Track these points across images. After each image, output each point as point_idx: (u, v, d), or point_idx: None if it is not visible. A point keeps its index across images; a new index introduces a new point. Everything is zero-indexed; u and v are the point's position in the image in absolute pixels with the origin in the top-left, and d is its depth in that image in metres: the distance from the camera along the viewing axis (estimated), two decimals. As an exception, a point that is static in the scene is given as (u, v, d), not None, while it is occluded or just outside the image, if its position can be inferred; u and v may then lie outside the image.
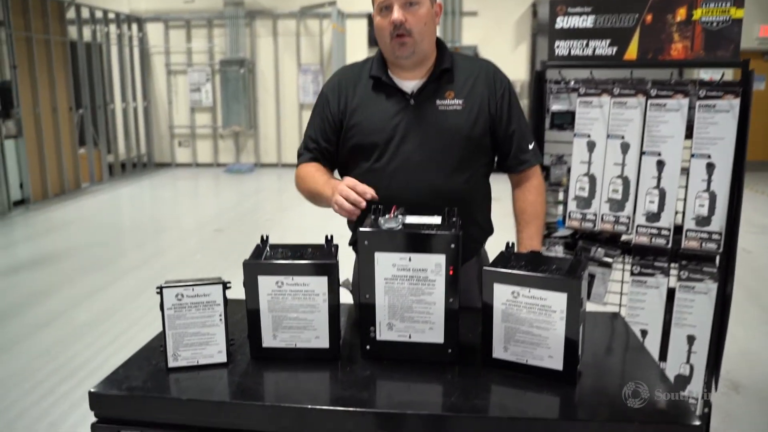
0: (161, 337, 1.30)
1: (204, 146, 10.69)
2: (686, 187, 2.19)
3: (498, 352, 1.28)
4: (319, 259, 1.31)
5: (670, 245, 2.21)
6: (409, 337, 1.32)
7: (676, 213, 2.22)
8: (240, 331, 1.47)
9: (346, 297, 1.69)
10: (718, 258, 2.20)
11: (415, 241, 1.26)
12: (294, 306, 1.31)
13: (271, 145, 10.52)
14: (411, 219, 1.34)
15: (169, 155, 10.72)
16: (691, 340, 2.22)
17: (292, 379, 1.27)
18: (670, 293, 2.25)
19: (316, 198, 1.69)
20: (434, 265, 1.27)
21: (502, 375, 1.27)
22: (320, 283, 1.29)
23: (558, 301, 1.19)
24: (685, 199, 2.22)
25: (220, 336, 1.31)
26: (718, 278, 2.17)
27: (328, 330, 1.32)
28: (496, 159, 1.76)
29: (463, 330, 1.32)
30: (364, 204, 1.46)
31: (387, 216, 1.33)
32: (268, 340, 1.33)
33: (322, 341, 1.33)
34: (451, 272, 1.27)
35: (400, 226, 1.29)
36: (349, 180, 1.52)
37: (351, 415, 1.14)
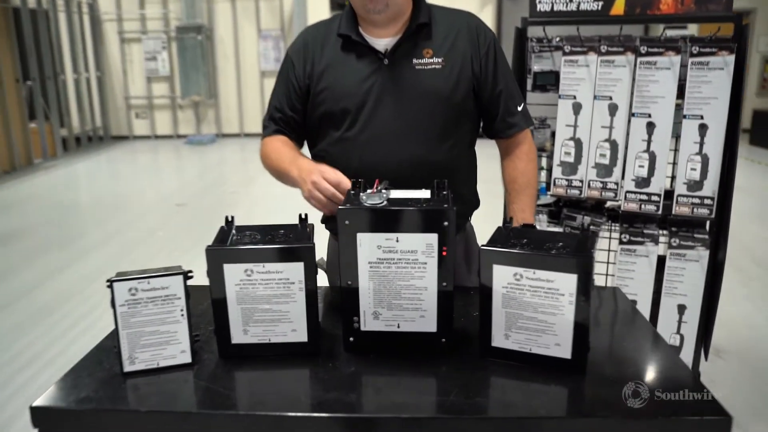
0: (114, 335, 1.13)
1: (162, 117, 10.29)
2: (675, 150, 2.08)
3: (498, 341, 1.15)
4: (294, 242, 1.15)
5: (660, 212, 2.10)
6: (398, 326, 1.18)
7: (667, 178, 2.11)
8: (206, 324, 1.31)
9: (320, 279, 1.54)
10: (708, 224, 2.10)
11: (403, 219, 1.11)
12: (266, 296, 1.15)
13: (232, 115, 10.18)
14: (396, 194, 1.18)
15: (126, 128, 10.30)
16: (681, 309, 2.14)
17: (268, 381, 1.11)
18: (660, 262, 2.16)
19: (283, 178, 1.53)
20: (425, 245, 1.12)
21: (503, 366, 1.13)
22: (295, 269, 1.13)
23: (567, 283, 1.06)
24: (673, 163, 2.11)
25: (183, 334, 1.15)
26: (710, 245, 2.08)
27: (306, 322, 1.17)
28: (481, 124, 1.60)
29: (455, 314, 1.18)
30: (341, 198, 1.31)
31: (369, 191, 1.17)
32: (238, 336, 1.18)
33: (300, 335, 1.18)
34: (444, 253, 1.12)
35: (385, 203, 1.14)
36: (320, 169, 1.36)
37: (337, 422, 1.00)
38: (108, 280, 1.12)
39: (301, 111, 1.56)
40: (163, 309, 1.13)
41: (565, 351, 1.10)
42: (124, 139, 10.26)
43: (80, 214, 6.08)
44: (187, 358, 1.16)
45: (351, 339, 1.19)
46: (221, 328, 1.17)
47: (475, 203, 1.62)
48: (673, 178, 2.10)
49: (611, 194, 2.16)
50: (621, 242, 2.17)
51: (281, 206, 5.86)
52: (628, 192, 2.12)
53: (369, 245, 1.13)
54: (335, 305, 1.41)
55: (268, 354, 1.18)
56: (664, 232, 2.15)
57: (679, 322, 2.14)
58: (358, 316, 1.18)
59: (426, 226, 1.11)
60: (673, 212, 2.08)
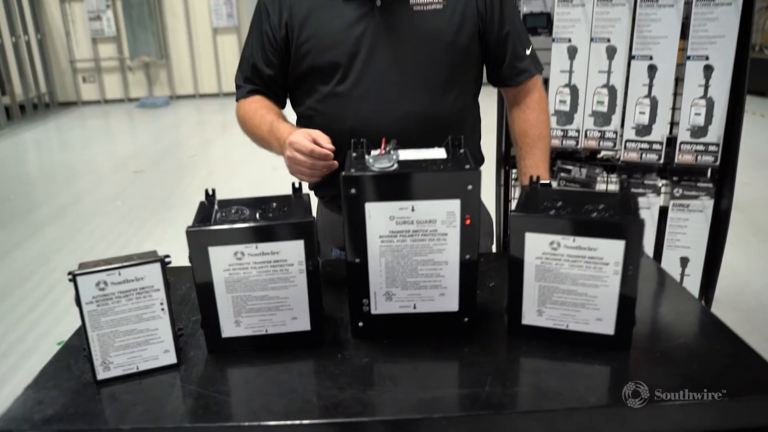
0: (83, 337, 0.95)
1: (112, 81, 9.76)
2: (678, 94, 1.95)
3: (529, 318, 1.01)
4: (290, 217, 0.98)
5: (662, 160, 1.98)
6: (414, 307, 1.03)
7: (669, 124, 1.99)
8: (188, 312, 1.14)
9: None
10: (710, 171, 2.00)
11: (419, 185, 0.95)
12: (261, 282, 0.98)
13: (185, 76, 9.72)
14: (407, 155, 1.02)
15: (74, 93, 9.73)
16: (684, 262, 2.05)
17: (269, 380, 0.95)
18: (662, 213, 2.05)
19: (265, 147, 1.34)
20: (445, 214, 0.96)
21: (535, 346, 1.00)
22: (294, 249, 0.96)
23: (613, 250, 0.92)
24: (673, 108, 1.99)
25: (165, 331, 0.97)
26: (714, 194, 1.98)
27: (308, 308, 1.01)
28: (485, 71, 1.43)
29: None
30: (324, 165, 1.14)
31: (375, 153, 1.00)
32: (229, 329, 1.01)
33: (302, 323, 1.02)
34: (468, 222, 0.96)
35: (395, 166, 0.97)
36: (290, 141, 1.18)
37: (357, 428, 0.85)
38: (70, 273, 0.93)
39: (279, 66, 1.36)
40: (139, 304, 0.95)
41: (607, 326, 0.97)
42: (72, 105, 9.70)
43: (30, 187, 5.71)
44: (171, 359, 0.99)
45: (360, 324, 1.04)
46: (209, 320, 1.00)
47: (480, 160, 1.47)
48: (675, 124, 1.97)
49: (610, 143, 2.03)
50: (621, 195, 2.05)
51: (242, 169, 5.65)
52: (627, 141, 1.99)
53: (380, 216, 0.96)
54: (332, 281, 1.25)
55: (265, 347, 1.02)
56: (665, 182, 2.04)
57: (682, 275, 2.05)
58: (368, 297, 1.02)
59: (446, 191, 0.95)
60: (676, 161, 1.96)
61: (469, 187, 0.94)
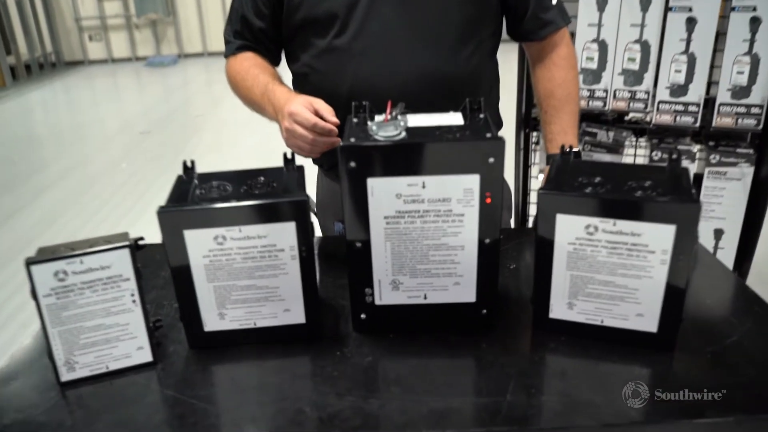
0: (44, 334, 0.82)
1: (118, 39, 9.55)
2: (719, 50, 1.76)
3: (558, 311, 0.87)
4: (280, 194, 0.83)
5: (698, 124, 1.81)
6: (425, 297, 0.89)
7: (707, 84, 1.80)
8: (171, 300, 1.01)
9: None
10: (750, 136, 1.82)
11: (432, 157, 0.80)
12: (247, 269, 0.85)
13: (194, 33, 9.47)
14: (416, 120, 0.87)
15: (80, 52, 9.55)
16: (718, 234, 1.89)
17: (258, 383, 0.83)
18: (696, 181, 1.88)
19: (260, 113, 1.20)
20: (462, 191, 0.82)
21: (564, 344, 0.87)
22: (285, 232, 0.83)
23: (661, 236, 0.77)
24: (712, 66, 1.80)
25: (138, 325, 0.85)
26: (755, 161, 1.81)
27: (302, 298, 0.88)
28: (504, 24, 1.26)
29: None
30: (326, 143, 1.00)
31: (379, 118, 0.85)
32: (213, 322, 0.88)
33: (295, 315, 0.89)
34: (488, 200, 0.82)
35: (403, 134, 0.82)
36: (290, 111, 1.03)
37: (358, 445, 0.72)
38: (27, 260, 0.80)
39: (270, 17, 1.20)
40: (106, 296, 0.82)
41: (649, 323, 0.83)
42: (78, 64, 9.53)
43: (35, 148, 5.61)
44: (146, 357, 0.87)
45: (363, 316, 0.91)
46: (189, 313, 0.87)
47: (498, 124, 1.31)
48: (714, 84, 1.79)
49: (641, 105, 1.86)
50: (651, 160, 1.89)
51: (250, 129, 5.47)
52: (661, 102, 1.82)
53: (384, 194, 0.82)
54: (333, 261, 1.12)
55: (253, 342, 0.89)
56: (701, 147, 1.87)
57: (715, 248, 1.90)
58: (372, 287, 0.89)
59: (464, 164, 0.80)
60: (714, 124, 1.79)
61: (491, 159, 0.79)
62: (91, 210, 3.85)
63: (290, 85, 1.24)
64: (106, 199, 4.00)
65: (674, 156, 0.84)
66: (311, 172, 1.36)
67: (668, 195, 0.77)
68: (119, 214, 3.72)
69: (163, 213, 0.81)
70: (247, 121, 5.61)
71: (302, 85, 1.22)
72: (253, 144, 4.65)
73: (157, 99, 7.31)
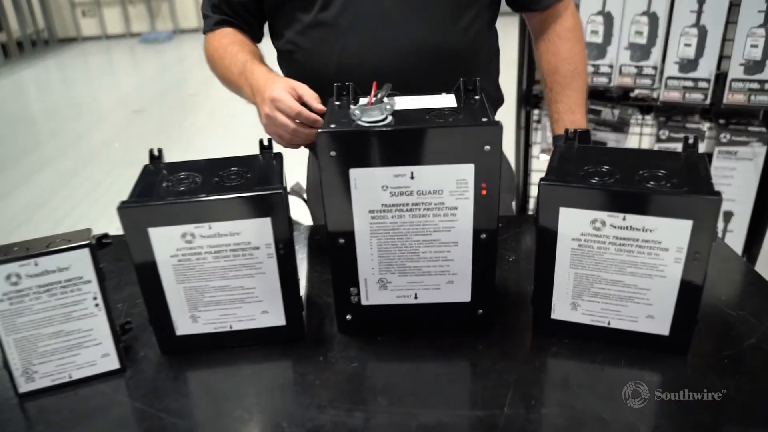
0: (-1, 340, 0.75)
1: (112, 14, 9.36)
2: (731, 22, 1.66)
3: (561, 312, 0.80)
4: (254, 187, 0.75)
5: (708, 101, 1.72)
6: (415, 297, 0.82)
7: (719, 59, 1.71)
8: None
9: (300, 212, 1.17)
10: (762, 113, 1.73)
11: (421, 144, 0.72)
12: (220, 270, 0.77)
13: (189, 8, 9.29)
14: (404, 103, 0.78)
15: (74, 28, 9.37)
16: (728, 216, 1.81)
17: (231, 395, 0.76)
18: (705, 161, 1.80)
19: (236, 92, 1.11)
20: (455, 182, 0.74)
21: (567, 348, 0.79)
22: (260, 228, 0.75)
23: (676, 232, 0.69)
24: (724, 40, 1.70)
25: (102, 331, 0.78)
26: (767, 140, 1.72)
27: (281, 299, 0.80)
28: None
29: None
30: (309, 135, 0.91)
31: (363, 101, 0.77)
32: (185, 326, 0.81)
33: (274, 317, 0.82)
34: (484, 192, 0.74)
35: (390, 118, 0.74)
36: (272, 96, 0.94)
37: (340, 466, 0.66)
38: (-25, 262, 0.73)
39: None
40: (65, 300, 0.75)
41: (661, 325, 0.76)
42: (72, 41, 9.35)
43: (27, 129, 5.50)
44: (113, 364, 0.80)
45: (348, 317, 0.84)
46: (158, 316, 0.80)
47: (498, 101, 1.22)
48: (726, 58, 1.69)
49: (648, 81, 1.77)
50: (659, 139, 1.81)
51: (246, 107, 5.39)
52: (669, 78, 1.73)
53: (369, 186, 0.74)
54: (322, 252, 1.04)
55: (230, 346, 0.82)
56: (711, 125, 1.78)
57: (724, 231, 1.83)
58: (357, 286, 0.81)
59: (457, 152, 0.72)
60: (725, 101, 1.70)
61: (487, 147, 0.71)
62: (82, 193, 3.77)
63: (275, 63, 1.16)
64: (98, 181, 3.92)
65: (690, 141, 0.76)
66: (301, 155, 1.29)
67: (685, 186, 0.69)
68: (110, 198, 3.64)
69: (124, 209, 0.73)
70: (242, 99, 5.54)
71: (287, 63, 1.14)
72: (248, 123, 4.55)
73: (152, 76, 7.18)
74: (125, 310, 0.92)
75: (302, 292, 0.94)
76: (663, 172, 0.72)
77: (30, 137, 5.18)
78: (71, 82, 7.37)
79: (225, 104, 5.45)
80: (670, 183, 0.70)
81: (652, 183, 0.70)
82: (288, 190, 1.49)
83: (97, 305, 0.77)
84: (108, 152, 4.47)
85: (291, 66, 1.12)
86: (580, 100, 1.14)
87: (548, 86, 1.17)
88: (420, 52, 1.05)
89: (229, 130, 4.78)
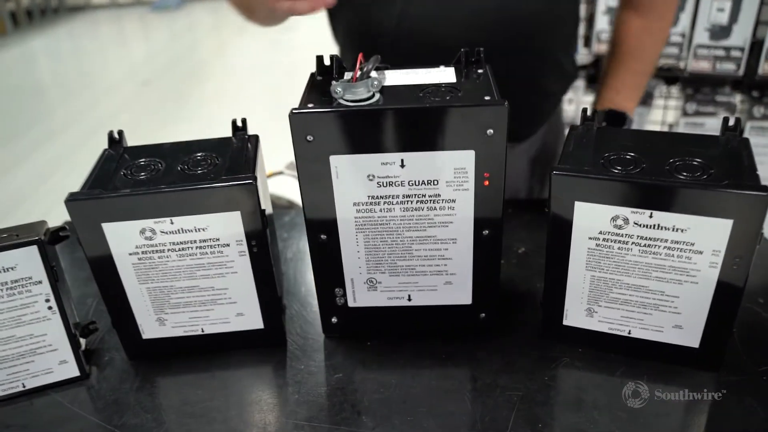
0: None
1: (122, -18, 9.22)
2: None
3: (575, 318, 0.70)
4: (221, 176, 0.66)
5: (741, 71, 1.58)
6: (408, 299, 0.73)
7: (754, 25, 1.57)
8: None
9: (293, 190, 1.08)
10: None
11: (413, 127, 0.62)
12: (186, 269, 0.68)
13: (200, -25, 9.11)
14: (394, 78, 0.68)
15: (84, -4, 9.24)
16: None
17: (199, 410, 0.67)
18: (735, 136, 1.67)
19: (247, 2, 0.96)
20: (452, 171, 0.64)
21: (581, 358, 0.70)
22: (229, 222, 0.66)
23: (713, 233, 0.59)
24: (762, 4, 1.56)
25: (58, 335, 0.70)
26: (805, 112, 1.58)
27: (257, 300, 0.71)
28: None
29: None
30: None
31: (347, 76, 0.67)
32: (151, 329, 0.73)
33: (251, 320, 0.73)
34: (486, 183, 0.64)
35: (376, 96, 0.63)
36: None
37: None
38: None
39: None
40: (13, 302, 0.67)
41: (690, 337, 0.66)
42: (82, 9, 9.23)
43: (36, 99, 5.44)
44: (72, 371, 0.72)
45: (334, 320, 0.75)
46: (121, 320, 0.72)
47: (573, 74, 1.08)
48: (763, 24, 1.55)
49: (674, 50, 1.63)
50: (685, 113, 1.68)
51: (256, 77, 5.26)
52: (698, 46, 1.59)
53: (353, 175, 0.64)
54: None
55: (204, 350, 0.74)
56: (743, 98, 1.65)
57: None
58: (343, 287, 0.72)
59: (455, 136, 0.62)
60: (760, 71, 1.56)
61: (490, 131, 0.61)
62: (87, 166, 3.71)
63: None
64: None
65: (731, 122, 0.65)
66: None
67: (724, 178, 0.58)
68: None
69: (73, 203, 0.64)
70: (252, 68, 5.40)
71: (338, 16, 1.01)
72: (259, 92, 4.45)
73: (162, 45, 7.06)
74: (94, 307, 0.84)
75: (293, 286, 0.85)
76: (698, 160, 0.61)
77: (38, 109, 5.12)
78: (81, 51, 7.28)
79: (236, 72, 5.34)
80: (707, 174, 0.59)
81: (684, 174, 0.59)
82: (285, 167, 1.38)
83: (50, 308, 0.68)
84: (115, 125, 4.37)
85: (342, 21, 1.00)
86: (633, 85, 1.01)
87: (607, 57, 1.03)
88: (493, 15, 0.90)
89: (238, 99, 4.68)
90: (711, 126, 1.65)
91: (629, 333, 0.68)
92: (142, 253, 0.67)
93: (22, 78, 6.12)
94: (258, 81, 4.73)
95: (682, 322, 0.65)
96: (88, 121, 4.57)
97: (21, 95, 5.46)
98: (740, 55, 1.55)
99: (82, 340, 0.74)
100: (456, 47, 0.69)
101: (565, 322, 0.71)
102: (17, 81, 5.95)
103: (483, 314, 0.73)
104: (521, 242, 0.93)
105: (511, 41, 0.90)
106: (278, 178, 1.25)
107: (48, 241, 0.67)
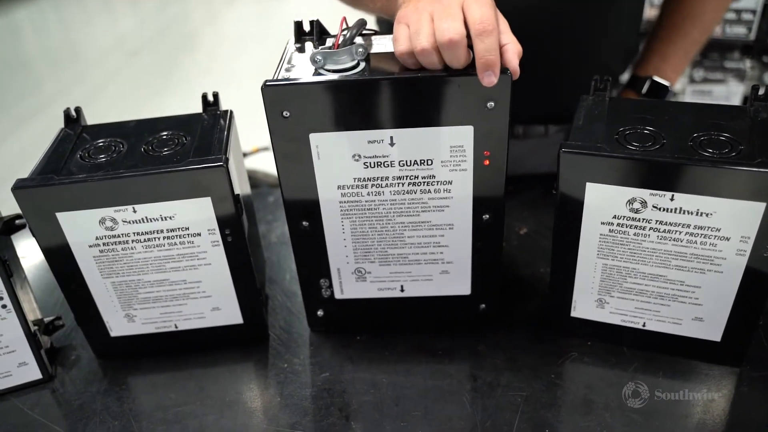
0: None
1: (108, -51, 8.96)
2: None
3: (583, 309, 0.64)
4: (189, 158, 0.58)
5: (753, 35, 1.50)
6: (401, 290, 0.66)
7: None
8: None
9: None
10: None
11: (403, 100, 0.55)
12: (153, 261, 0.62)
13: (188, -58, 8.86)
14: (382, 43, 0.60)
15: (69, -36, 8.99)
16: None
17: (172, 416, 0.61)
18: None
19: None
20: (448, 149, 0.56)
21: (591, 353, 0.64)
22: (199, 210, 0.59)
23: (741, 218, 0.52)
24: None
25: (14, 336, 0.63)
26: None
27: (234, 293, 0.65)
28: None
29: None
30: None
31: (329, 42, 0.59)
32: (119, 326, 0.66)
33: (228, 314, 0.67)
34: (487, 162, 0.57)
35: (361, 66, 0.56)
36: None
37: None
38: None
39: None
40: (-40, 301, 0.60)
41: (712, 330, 0.60)
42: (68, -22, 9.00)
43: (21, 72, 5.31)
44: (33, 374, 0.65)
45: (320, 313, 0.68)
46: (86, 317, 0.65)
47: (634, 51, 0.98)
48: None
49: (682, 13, 1.54)
50: (692, 80, 1.60)
51: (247, 47, 5.11)
52: (707, 8, 1.50)
53: (336, 155, 0.57)
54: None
55: (179, 348, 0.68)
56: (753, 64, 1.57)
57: None
58: (329, 277, 0.66)
59: (451, 110, 0.54)
60: (772, 34, 1.48)
61: (491, 104, 0.54)
62: (76, 139, 3.62)
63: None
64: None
65: (761, 91, 0.57)
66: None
67: (756, 156, 0.51)
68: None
69: (20, 190, 0.56)
70: (243, 38, 5.25)
71: None
72: (250, 64, 4.32)
73: (151, 14, 6.88)
74: (60, 301, 0.77)
75: (276, 273, 0.79)
76: (726, 135, 0.54)
77: (23, 83, 4.99)
78: (68, 22, 7.09)
79: (226, 43, 5.20)
80: (736, 151, 0.52)
81: (710, 151, 0.53)
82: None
83: (4, 306, 0.62)
84: (101, 98, 4.28)
85: None
86: (684, 53, 0.91)
87: (654, 27, 0.94)
88: None
89: (228, 71, 4.56)
90: (719, 94, 1.57)
91: (644, 325, 0.62)
92: (104, 244, 0.60)
93: (7, 50, 5.96)
94: (249, 51, 4.60)
95: (703, 314, 0.59)
96: (76, 93, 4.45)
97: (7, 68, 5.32)
98: (752, 18, 1.47)
99: (46, 338, 0.68)
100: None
101: (573, 314, 0.64)
102: (2, 53, 5.80)
103: (483, 305, 0.67)
104: (523, 221, 0.86)
105: (583, 12, 0.82)
106: (265, 154, 1.18)
107: (0, 232, 0.60)
